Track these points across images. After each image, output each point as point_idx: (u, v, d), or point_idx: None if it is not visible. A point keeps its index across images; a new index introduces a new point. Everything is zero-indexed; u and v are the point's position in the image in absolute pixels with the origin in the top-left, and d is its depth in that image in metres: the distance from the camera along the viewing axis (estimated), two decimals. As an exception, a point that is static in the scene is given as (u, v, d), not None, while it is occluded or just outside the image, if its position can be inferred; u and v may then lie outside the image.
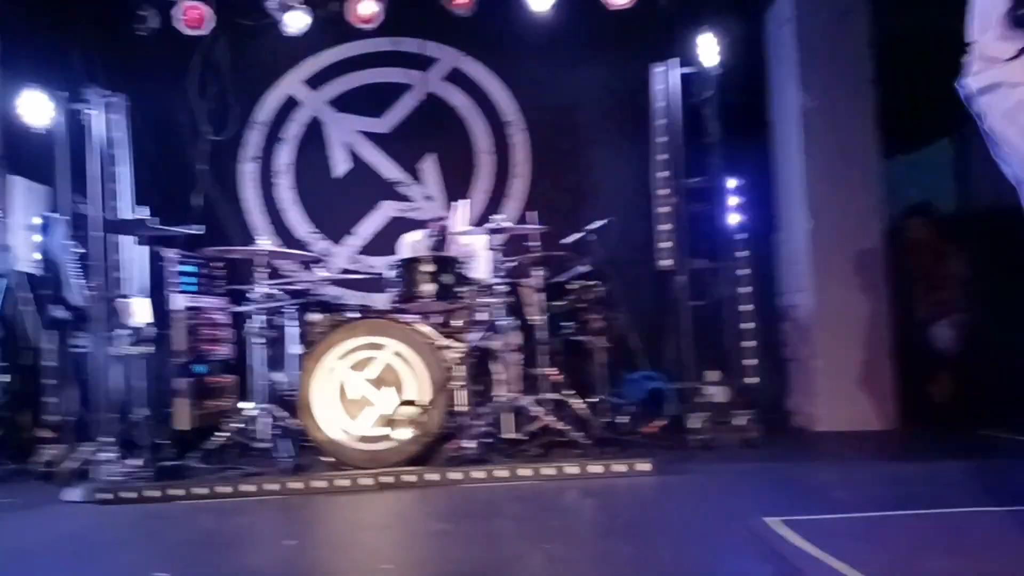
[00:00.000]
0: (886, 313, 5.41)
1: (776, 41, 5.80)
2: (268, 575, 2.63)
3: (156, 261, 5.15)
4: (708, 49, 5.18)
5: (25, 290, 5.37)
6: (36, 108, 4.89)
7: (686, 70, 5.28)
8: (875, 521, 2.77)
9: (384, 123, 6.36)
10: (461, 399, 4.61)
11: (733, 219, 5.23)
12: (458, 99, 6.36)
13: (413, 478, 3.96)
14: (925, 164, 6.35)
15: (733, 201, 5.23)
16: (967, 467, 3.80)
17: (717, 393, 5.30)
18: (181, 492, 3.87)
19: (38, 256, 5.13)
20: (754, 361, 5.12)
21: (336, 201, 6.34)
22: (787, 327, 5.76)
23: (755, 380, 5.10)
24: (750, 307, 5.16)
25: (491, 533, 3.10)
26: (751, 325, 5.14)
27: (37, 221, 5.29)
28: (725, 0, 5.77)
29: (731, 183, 5.23)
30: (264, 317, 4.63)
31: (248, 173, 6.34)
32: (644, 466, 3.93)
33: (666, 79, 5.28)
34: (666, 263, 5.32)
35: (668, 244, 5.31)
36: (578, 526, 3.21)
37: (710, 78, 5.24)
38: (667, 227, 5.31)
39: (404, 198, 6.33)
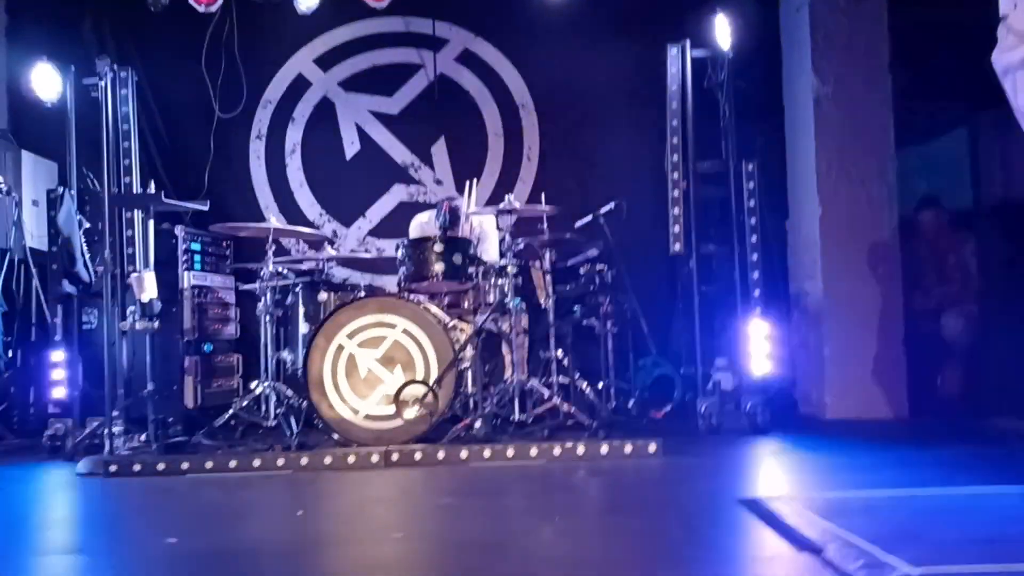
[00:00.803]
0: (897, 302, 5.37)
1: (791, 25, 5.75)
2: (276, 543, 2.62)
3: (164, 237, 5.14)
4: (722, 32, 5.12)
5: (33, 265, 5.38)
6: (45, 82, 4.86)
7: (699, 53, 5.22)
8: (885, 499, 2.75)
9: (395, 104, 6.33)
10: (469, 379, 4.61)
11: (744, 204, 5.18)
12: (469, 81, 6.32)
13: (420, 456, 3.95)
14: (940, 154, 6.29)
15: (745, 186, 5.18)
16: (976, 452, 3.78)
17: (725, 379, 5.28)
18: (187, 466, 3.87)
19: (47, 231, 5.11)
20: (763, 348, 5.08)
21: (346, 182, 6.32)
22: (796, 314, 5.73)
23: (764, 367, 5.07)
24: (759, 293, 5.13)
25: (498, 508, 3.10)
26: (760, 311, 5.11)
27: (45, 196, 5.28)
28: (741, -18, 5.71)
29: (743, 168, 5.18)
30: (272, 295, 4.63)
31: (257, 152, 6.32)
32: (652, 447, 3.91)
33: (679, 62, 5.22)
34: (676, 247, 5.29)
35: (678, 228, 5.28)
36: (586, 503, 3.20)
37: (724, 61, 5.19)
38: (677, 211, 5.28)
39: (414, 180, 6.31)
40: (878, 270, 5.39)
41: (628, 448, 3.92)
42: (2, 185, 5.36)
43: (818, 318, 5.44)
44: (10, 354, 5.53)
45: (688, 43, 5.19)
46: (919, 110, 5.81)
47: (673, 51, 5.26)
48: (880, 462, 3.73)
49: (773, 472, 3.59)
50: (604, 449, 3.92)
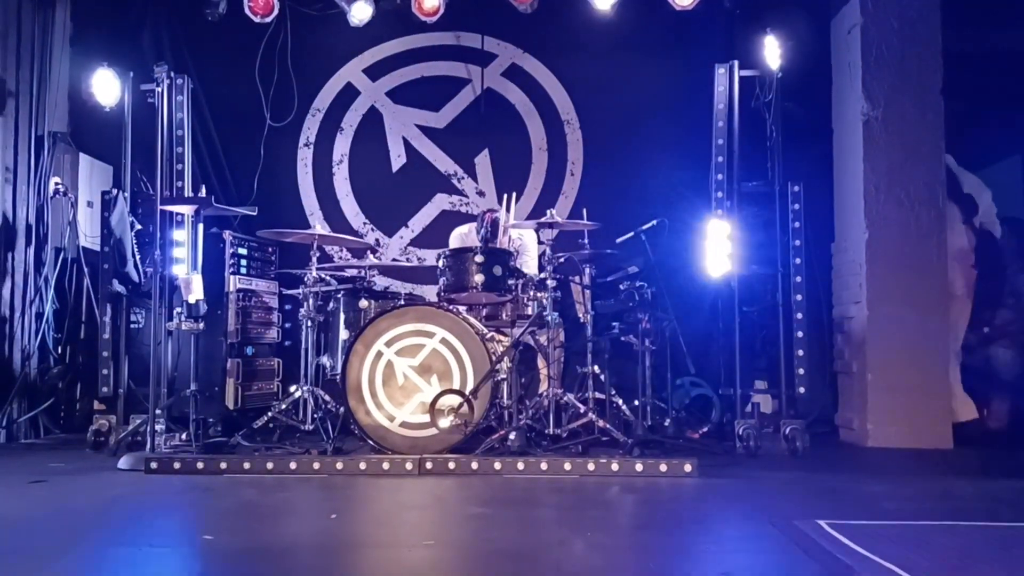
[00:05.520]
0: (944, 331, 5.26)
1: (841, 47, 5.69)
2: (309, 544, 2.65)
3: (211, 241, 5.24)
4: (771, 52, 5.10)
5: (85, 264, 5.53)
6: (105, 87, 5.01)
7: (748, 73, 5.20)
8: (924, 530, 2.69)
9: (441, 118, 6.40)
10: (505, 391, 4.61)
11: (789, 225, 5.12)
12: (515, 95, 6.37)
13: (454, 465, 3.97)
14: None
15: (790, 207, 5.12)
16: (1021, 486, 3.68)
17: (764, 402, 5.22)
18: (226, 466, 3.93)
19: (100, 231, 5.25)
20: (804, 372, 5.01)
21: (390, 192, 6.39)
22: (840, 339, 5.64)
23: (804, 391, 4.99)
24: (802, 316, 5.06)
25: (530, 519, 3.09)
26: (802, 335, 5.04)
27: (100, 197, 5.42)
28: (790, 3, 5.67)
29: (789, 189, 5.13)
30: (314, 301, 4.69)
31: (305, 160, 6.43)
32: (687, 467, 3.88)
33: (727, 81, 5.21)
34: (718, 268, 5.24)
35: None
36: (619, 518, 3.18)
37: (772, 81, 5.16)
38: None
39: (457, 191, 6.36)
40: (926, 297, 5.27)
41: (663, 467, 3.89)
42: (59, 186, 5.52)
43: (862, 344, 5.34)
44: (59, 351, 5.67)
45: (736, 63, 5.17)
46: (971, 136, 5.70)
47: (721, 70, 5.24)
48: (921, 492, 3.65)
49: (810, 497, 3.52)
50: (639, 467, 3.90)
